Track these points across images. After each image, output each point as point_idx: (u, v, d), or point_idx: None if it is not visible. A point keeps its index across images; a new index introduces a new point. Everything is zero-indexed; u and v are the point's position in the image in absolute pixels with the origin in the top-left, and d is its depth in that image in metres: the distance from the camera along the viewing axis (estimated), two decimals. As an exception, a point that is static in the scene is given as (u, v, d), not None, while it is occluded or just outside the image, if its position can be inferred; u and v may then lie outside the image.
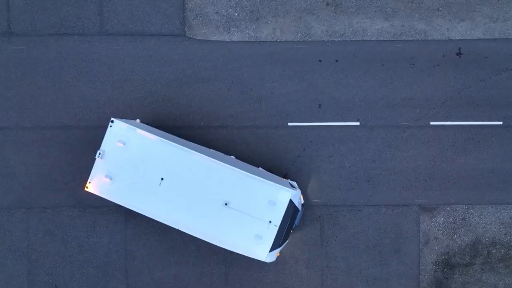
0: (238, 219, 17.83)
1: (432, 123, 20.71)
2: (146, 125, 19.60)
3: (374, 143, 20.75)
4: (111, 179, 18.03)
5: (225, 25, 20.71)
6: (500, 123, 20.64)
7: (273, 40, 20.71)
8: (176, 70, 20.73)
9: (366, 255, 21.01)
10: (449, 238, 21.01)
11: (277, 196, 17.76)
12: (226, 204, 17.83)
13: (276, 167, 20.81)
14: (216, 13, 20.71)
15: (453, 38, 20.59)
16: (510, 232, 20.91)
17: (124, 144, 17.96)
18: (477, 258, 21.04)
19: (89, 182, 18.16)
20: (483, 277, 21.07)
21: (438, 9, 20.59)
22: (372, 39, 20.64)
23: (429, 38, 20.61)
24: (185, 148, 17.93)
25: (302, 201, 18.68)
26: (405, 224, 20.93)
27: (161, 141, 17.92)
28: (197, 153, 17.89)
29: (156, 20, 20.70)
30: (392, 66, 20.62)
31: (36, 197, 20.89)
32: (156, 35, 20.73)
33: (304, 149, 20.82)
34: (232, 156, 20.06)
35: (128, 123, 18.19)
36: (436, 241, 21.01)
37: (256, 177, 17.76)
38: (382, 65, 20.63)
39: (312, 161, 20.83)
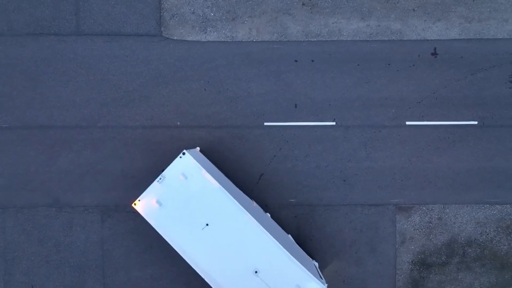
0: None
1: (407, 122, 20.78)
2: (204, 157, 19.54)
3: (350, 143, 20.81)
4: (160, 205, 17.97)
5: (202, 25, 20.75)
6: (475, 123, 20.71)
7: (249, 40, 20.75)
8: (153, 70, 20.76)
9: (342, 255, 21.07)
10: (425, 237, 21.08)
11: (306, 285, 17.69)
12: (256, 272, 17.83)
13: (253, 167, 20.86)
14: (193, 13, 20.75)
15: (429, 38, 20.66)
16: (486, 232, 20.99)
17: (186, 178, 17.92)
18: (453, 258, 21.11)
19: (139, 200, 18.04)
20: (459, 276, 21.14)
21: (413, 10, 20.66)
22: (348, 39, 20.70)
23: (405, 38, 20.68)
24: (238, 204, 17.85)
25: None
26: (381, 224, 20.99)
27: (220, 190, 17.88)
28: (246, 212, 17.85)
29: (133, 20, 20.73)
30: (368, 66, 20.68)
31: (13, 197, 20.90)
32: (132, 35, 20.76)
33: (280, 148, 20.87)
34: (268, 214, 20.16)
35: (194, 156, 18.16)
36: (412, 241, 21.08)
37: (292, 258, 17.75)
38: (358, 65, 20.69)
39: (288, 160, 20.87)
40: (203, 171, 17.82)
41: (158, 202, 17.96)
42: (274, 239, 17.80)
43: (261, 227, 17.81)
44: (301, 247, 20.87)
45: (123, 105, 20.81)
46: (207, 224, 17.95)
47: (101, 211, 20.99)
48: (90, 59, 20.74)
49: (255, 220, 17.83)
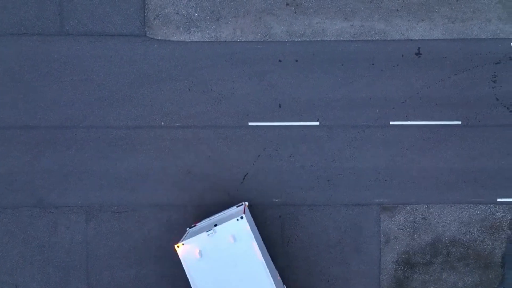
0: None
1: (391, 122, 20.81)
2: (250, 216, 19.59)
3: (334, 143, 20.83)
4: (201, 256, 18.16)
5: (186, 25, 20.77)
6: (459, 122, 20.75)
7: (233, 40, 20.77)
8: (137, 70, 20.77)
9: (326, 255, 21.09)
10: (410, 237, 21.11)
11: None
12: None
13: (237, 166, 20.88)
14: (177, 13, 20.76)
15: (413, 38, 20.70)
16: (469, 231, 21.03)
17: (235, 241, 18.11)
18: (437, 257, 21.15)
19: (182, 244, 18.25)
20: (443, 276, 21.18)
21: (397, 10, 20.70)
22: (332, 39, 20.73)
23: (389, 38, 20.71)
24: (273, 283, 18.08)
25: None
26: (366, 224, 21.02)
27: (262, 264, 18.10)
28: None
29: (117, 20, 20.73)
30: (352, 66, 20.71)
31: (-4, 197, 20.93)
32: (116, 35, 20.76)
33: (265, 148, 20.88)
34: (284, 286, 20.35)
35: (249, 222, 18.41)
36: (396, 240, 21.11)
37: None
38: (342, 65, 20.72)
39: (272, 160, 20.89)
40: (254, 242, 18.08)
41: (200, 253, 18.14)
42: None
43: None
44: (285, 248, 20.93)
45: (107, 105, 20.81)
46: None
47: (86, 211, 20.99)
48: (74, 59, 20.74)
49: None
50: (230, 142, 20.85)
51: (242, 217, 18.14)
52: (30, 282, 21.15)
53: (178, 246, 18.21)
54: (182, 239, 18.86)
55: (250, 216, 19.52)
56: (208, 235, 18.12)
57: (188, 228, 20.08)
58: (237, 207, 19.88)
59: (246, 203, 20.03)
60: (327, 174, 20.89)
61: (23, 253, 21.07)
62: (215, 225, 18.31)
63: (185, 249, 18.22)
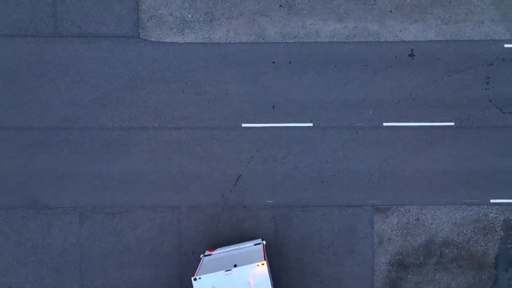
0: None
1: (385, 124, 20.84)
2: (266, 256, 19.57)
3: (327, 144, 20.86)
4: None
5: (179, 26, 20.78)
6: (452, 124, 20.79)
7: (227, 41, 20.79)
8: (130, 72, 20.78)
9: (320, 256, 21.11)
10: (403, 238, 21.14)
11: None
12: None
13: (231, 168, 20.89)
14: (170, 14, 20.78)
15: (406, 40, 20.73)
16: (463, 232, 21.06)
17: (251, 285, 18.03)
18: (431, 258, 21.18)
19: (199, 278, 18.08)
20: (436, 277, 21.21)
21: (390, 11, 20.73)
22: (325, 41, 20.76)
23: (382, 40, 20.75)
24: None
25: None
26: (359, 225, 21.04)
27: None
28: None
29: (110, 22, 20.74)
30: (345, 67, 20.74)
31: (-10, 198, 20.93)
32: (110, 37, 20.78)
33: (258, 150, 20.90)
34: None
35: (268, 271, 18.33)
36: (390, 242, 21.14)
37: None
38: (335, 66, 20.75)
39: (266, 162, 20.91)
40: None
41: None
42: None
43: None
44: (279, 249, 20.93)
45: (101, 106, 20.83)
46: None
47: (79, 212, 21.00)
48: (68, 61, 20.75)
49: None
50: (223, 143, 20.87)
51: (263, 264, 17.99)
52: (24, 284, 21.15)
53: (195, 279, 18.05)
54: (197, 270, 18.77)
55: (267, 259, 19.46)
56: (226, 273, 18.03)
57: (202, 256, 20.00)
58: (254, 244, 19.85)
59: (264, 242, 19.98)
60: (320, 175, 20.92)
61: (16, 254, 21.07)
62: (235, 266, 18.18)
63: (200, 283, 18.07)
